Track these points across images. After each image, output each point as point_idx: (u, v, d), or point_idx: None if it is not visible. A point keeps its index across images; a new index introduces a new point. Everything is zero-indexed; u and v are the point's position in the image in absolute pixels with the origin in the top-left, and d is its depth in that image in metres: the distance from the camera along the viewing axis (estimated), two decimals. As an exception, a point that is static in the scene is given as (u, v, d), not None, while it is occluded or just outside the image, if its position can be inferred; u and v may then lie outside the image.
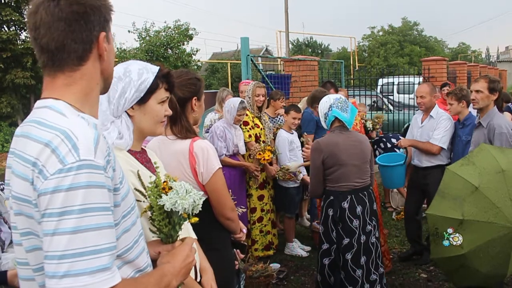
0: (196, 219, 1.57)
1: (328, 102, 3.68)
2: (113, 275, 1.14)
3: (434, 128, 4.80)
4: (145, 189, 1.57)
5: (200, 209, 1.58)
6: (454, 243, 3.48)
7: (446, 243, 3.51)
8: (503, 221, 3.38)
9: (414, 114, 6.09)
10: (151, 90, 1.83)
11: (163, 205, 1.49)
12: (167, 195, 1.50)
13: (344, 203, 3.58)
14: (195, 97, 2.42)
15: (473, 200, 3.47)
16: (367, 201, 3.64)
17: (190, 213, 1.54)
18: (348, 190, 3.60)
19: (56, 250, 1.08)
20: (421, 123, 4.98)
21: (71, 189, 1.09)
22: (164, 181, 1.56)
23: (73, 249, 1.08)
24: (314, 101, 5.11)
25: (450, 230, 3.50)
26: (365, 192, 3.66)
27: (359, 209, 3.59)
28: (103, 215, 1.14)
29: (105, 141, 1.24)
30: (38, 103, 1.28)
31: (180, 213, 1.51)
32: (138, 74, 1.80)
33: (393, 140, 6.33)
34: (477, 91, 4.14)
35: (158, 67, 1.88)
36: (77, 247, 1.08)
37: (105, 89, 1.42)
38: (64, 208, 1.09)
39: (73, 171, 1.10)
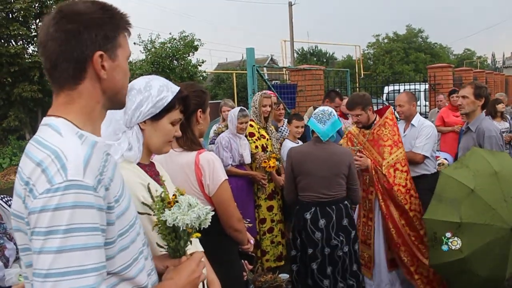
0: (198, 235, 1.55)
1: (313, 111, 3.74)
2: None
3: (416, 137, 4.70)
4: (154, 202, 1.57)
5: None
6: (453, 247, 3.46)
7: (445, 247, 3.49)
8: (500, 223, 3.39)
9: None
10: (167, 109, 1.86)
11: (166, 220, 1.48)
12: (170, 210, 1.49)
13: (306, 214, 3.60)
14: (200, 109, 2.43)
15: (469, 203, 3.47)
16: (333, 216, 3.59)
17: (197, 228, 1.52)
18: (313, 201, 3.60)
19: (42, 269, 1.09)
20: (403, 132, 4.85)
21: (57, 209, 1.10)
22: (173, 195, 1.54)
23: (57, 269, 1.09)
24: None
25: (448, 234, 3.48)
26: (333, 206, 3.60)
27: (322, 222, 3.57)
28: (90, 235, 1.13)
29: (100, 160, 1.24)
30: (43, 120, 1.30)
31: (182, 228, 1.49)
32: (158, 91, 1.83)
33: None
34: (463, 97, 4.22)
35: (179, 88, 1.91)
36: (61, 267, 1.09)
37: (117, 105, 1.40)
38: (51, 227, 1.10)
39: (60, 191, 1.11)
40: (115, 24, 1.31)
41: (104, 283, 1.17)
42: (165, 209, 1.50)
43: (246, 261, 2.69)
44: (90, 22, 1.26)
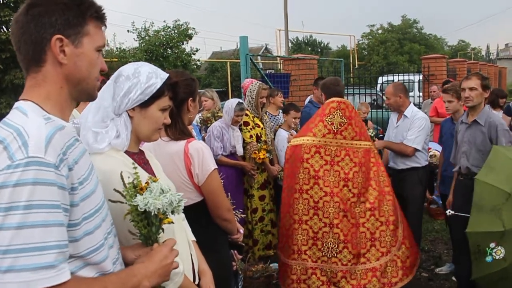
0: (170, 220, 1.54)
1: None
2: (59, 273, 1.13)
3: (408, 128, 4.57)
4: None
5: (183, 209, 1.55)
6: (497, 257, 3.34)
7: (489, 259, 3.37)
8: None
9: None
10: (156, 96, 1.83)
11: (137, 205, 1.47)
12: (142, 195, 1.48)
13: None
14: (191, 98, 2.40)
15: (509, 207, 3.32)
16: None
17: (169, 214, 1.51)
18: None
19: (1, 245, 1.08)
20: (396, 123, 4.77)
21: (17, 185, 1.10)
22: (146, 182, 1.54)
23: (17, 245, 1.08)
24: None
25: (492, 245, 3.35)
26: None
27: None
28: (51, 212, 1.13)
29: (65, 141, 1.25)
30: (14, 104, 1.32)
31: (153, 214, 1.48)
32: (147, 77, 1.80)
33: None
34: (471, 89, 3.90)
35: (168, 75, 1.89)
36: (21, 243, 1.09)
37: (84, 95, 1.40)
38: (10, 203, 1.09)
39: (21, 168, 1.11)
40: (82, 11, 1.33)
41: (66, 263, 1.17)
42: (137, 195, 1.49)
43: (235, 251, 2.68)
44: (53, 7, 1.30)
